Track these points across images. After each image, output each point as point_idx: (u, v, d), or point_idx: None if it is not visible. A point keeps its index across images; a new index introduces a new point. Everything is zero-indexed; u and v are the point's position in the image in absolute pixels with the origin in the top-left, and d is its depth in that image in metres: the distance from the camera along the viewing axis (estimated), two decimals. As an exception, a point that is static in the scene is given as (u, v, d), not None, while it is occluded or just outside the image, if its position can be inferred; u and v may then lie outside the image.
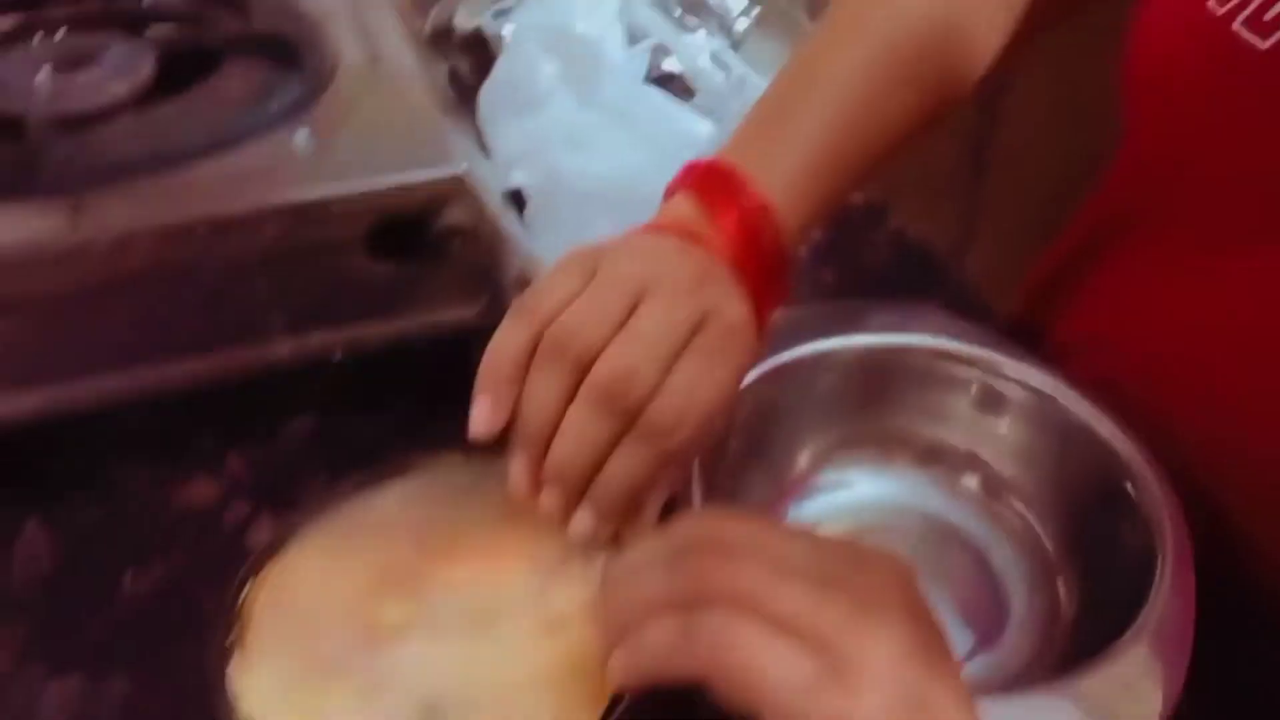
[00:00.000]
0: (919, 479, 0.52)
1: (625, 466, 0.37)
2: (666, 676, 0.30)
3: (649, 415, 0.36)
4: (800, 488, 0.51)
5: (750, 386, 0.46)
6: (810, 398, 0.51)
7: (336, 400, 0.61)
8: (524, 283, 0.58)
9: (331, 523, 0.39)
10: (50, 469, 0.57)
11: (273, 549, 0.38)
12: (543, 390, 0.37)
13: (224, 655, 0.34)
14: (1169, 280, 0.52)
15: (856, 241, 0.77)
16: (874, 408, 0.51)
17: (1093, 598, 0.46)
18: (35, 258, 0.49)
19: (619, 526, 0.38)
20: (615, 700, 0.33)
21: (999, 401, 0.51)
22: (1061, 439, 0.49)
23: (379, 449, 0.58)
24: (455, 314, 0.59)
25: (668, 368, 0.37)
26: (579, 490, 0.37)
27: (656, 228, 0.43)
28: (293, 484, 0.57)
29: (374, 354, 0.58)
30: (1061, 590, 0.47)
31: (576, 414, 0.37)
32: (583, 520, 0.37)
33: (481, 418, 0.38)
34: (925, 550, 0.50)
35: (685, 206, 0.43)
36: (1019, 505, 0.51)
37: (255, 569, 0.37)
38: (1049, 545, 0.49)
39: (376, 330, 0.58)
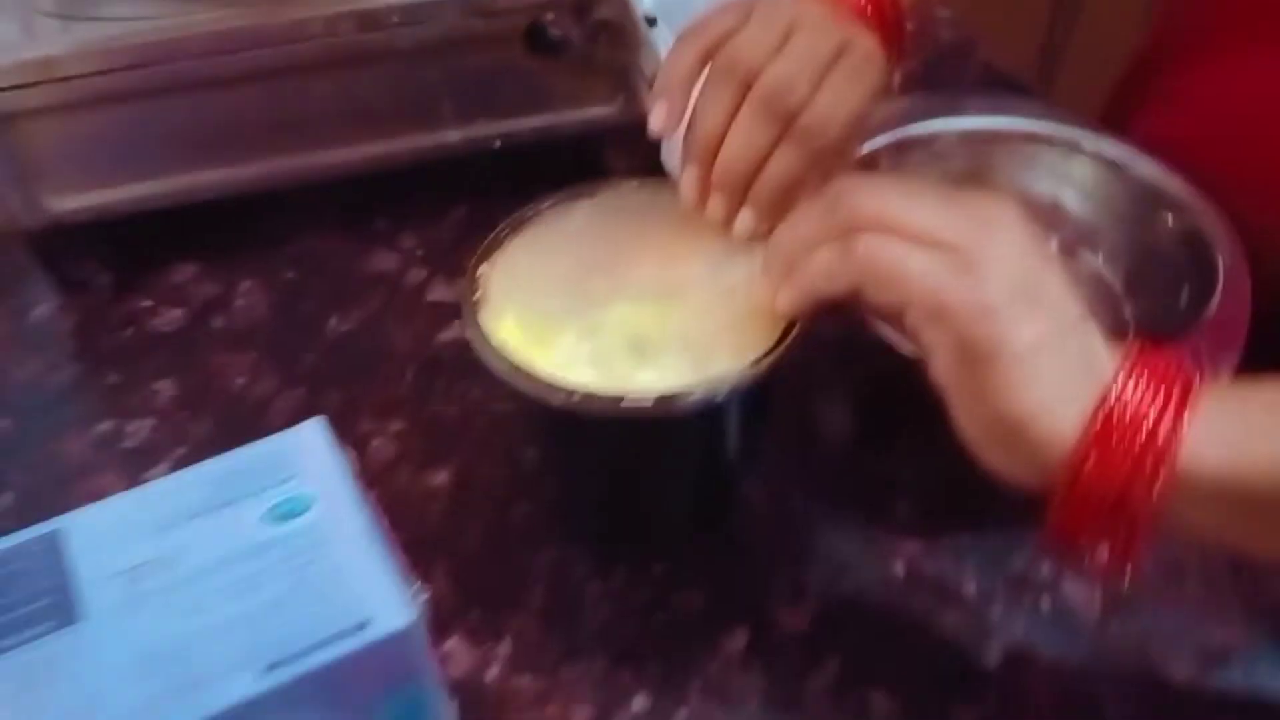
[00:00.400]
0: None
1: (782, 165, 0.45)
2: (827, 294, 0.39)
3: (803, 119, 0.44)
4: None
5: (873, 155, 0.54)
6: (918, 171, 0.58)
7: (488, 189, 0.70)
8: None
9: (535, 230, 0.48)
10: (255, 238, 0.67)
11: (492, 246, 0.47)
12: (714, 103, 0.45)
13: (473, 309, 0.43)
14: (1242, 77, 0.58)
15: (947, 73, 0.84)
16: (971, 181, 0.59)
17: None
18: (253, 37, 0.57)
19: (776, 221, 0.46)
20: (781, 338, 0.41)
21: (1077, 169, 0.58)
22: (1133, 196, 0.56)
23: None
24: (596, 110, 0.67)
25: (818, 84, 0.45)
26: (741, 192, 0.46)
27: None
28: (455, 257, 0.66)
29: (524, 146, 0.67)
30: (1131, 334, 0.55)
31: (742, 121, 0.45)
32: (745, 219, 0.46)
33: (660, 117, 0.46)
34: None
35: None
36: (1093, 259, 0.58)
37: (483, 257, 0.46)
38: (1121, 295, 0.57)
39: (529, 123, 0.66)
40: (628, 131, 0.70)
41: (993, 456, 0.36)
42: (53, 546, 0.38)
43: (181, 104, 0.58)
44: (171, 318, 0.63)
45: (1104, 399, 0.34)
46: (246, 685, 0.34)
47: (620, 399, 0.40)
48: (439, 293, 0.64)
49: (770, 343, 0.41)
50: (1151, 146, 0.59)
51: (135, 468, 0.54)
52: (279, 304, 0.63)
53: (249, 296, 0.64)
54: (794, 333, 0.41)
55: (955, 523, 0.51)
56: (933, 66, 0.82)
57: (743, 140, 0.45)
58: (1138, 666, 0.45)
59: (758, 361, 0.41)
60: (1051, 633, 0.46)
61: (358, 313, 0.63)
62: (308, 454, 0.41)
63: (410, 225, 0.69)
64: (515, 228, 0.47)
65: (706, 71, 0.46)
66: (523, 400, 0.42)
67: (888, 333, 0.45)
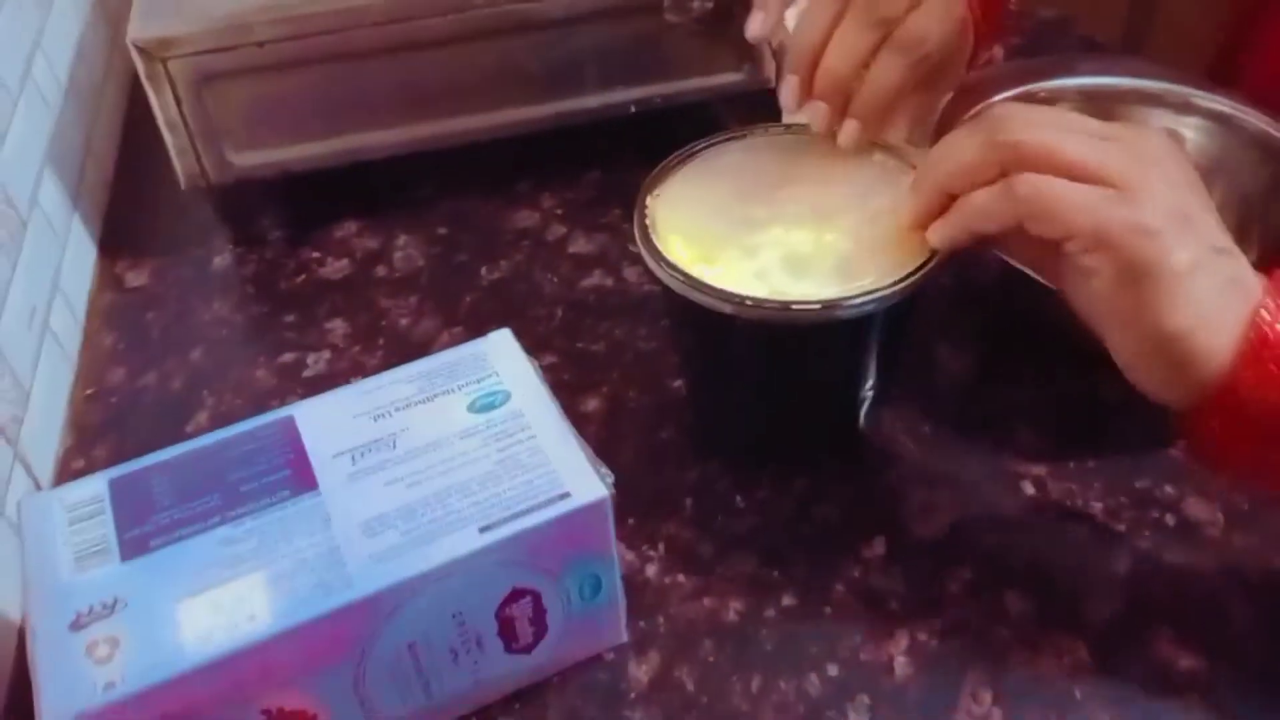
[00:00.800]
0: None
1: (882, 72, 0.48)
2: (984, 231, 0.42)
3: (903, 27, 0.48)
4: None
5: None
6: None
7: (619, 155, 0.75)
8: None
9: (694, 165, 0.53)
10: (407, 198, 0.73)
11: (658, 179, 0.52)
12: (816, 12, 0.49)
13: (644, 229, 0.48)
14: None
15: (1046, 47, 0.87)
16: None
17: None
18: (425, 6, 0.63)
19: (878, 134, 0.50)
20: (927, 260, 0.45)
21: (1190, 124, 0.60)
22: (1245, 148, 0.59)
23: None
24: (724, 78, 0.72)
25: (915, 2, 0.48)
26: (843, 99, 0.49)
27: None
28: (591, 215, 0.71)
29: (655, 111, 0.71)
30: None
31: (844, 30, 0.48)
32: (849, 128, 0.49)
33: (757, 21, 0.51)
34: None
35: None
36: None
37: (649, 188, 0.51)
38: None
39: (662, 89, 0.71)
40: (751, 99, 0.75)
41: (1147, 374, 0.39)
42: (289, 428, 0.43)
43: (358, 69, 0.64)
44: (338, 267, 0.68)
45: (1256, 317, 0.37)
46: (462, 543, 0.39)
47: (788, 305, 0.44)
48: (579, 245, 0.69)
49: (916, 262, 0.45)
50: (1262, 94, 0.61)
51: (319, 392, 0.59)
52: (434, 256, 0.69)
53: (406, 249, 0.70)
54: (937, 256, 0.45)
55: (1080, 448, 0.54)
56: (1032, 41, 0.86)
57: (844, 47, 0.48)
58: (1261, 572, 0.48)
59: (907, 277, 0.45)
60: (1176, 544, 0.49)
61: (506, 263, 0.68)
62: (499, 357, 0.46)
63: (549, 187, 0.74)
64: (679, 163, 0.52)
65: None
66: (690, 313, 0.46)
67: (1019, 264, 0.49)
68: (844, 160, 0.51)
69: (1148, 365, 0.39)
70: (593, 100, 0.70)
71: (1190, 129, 0.60)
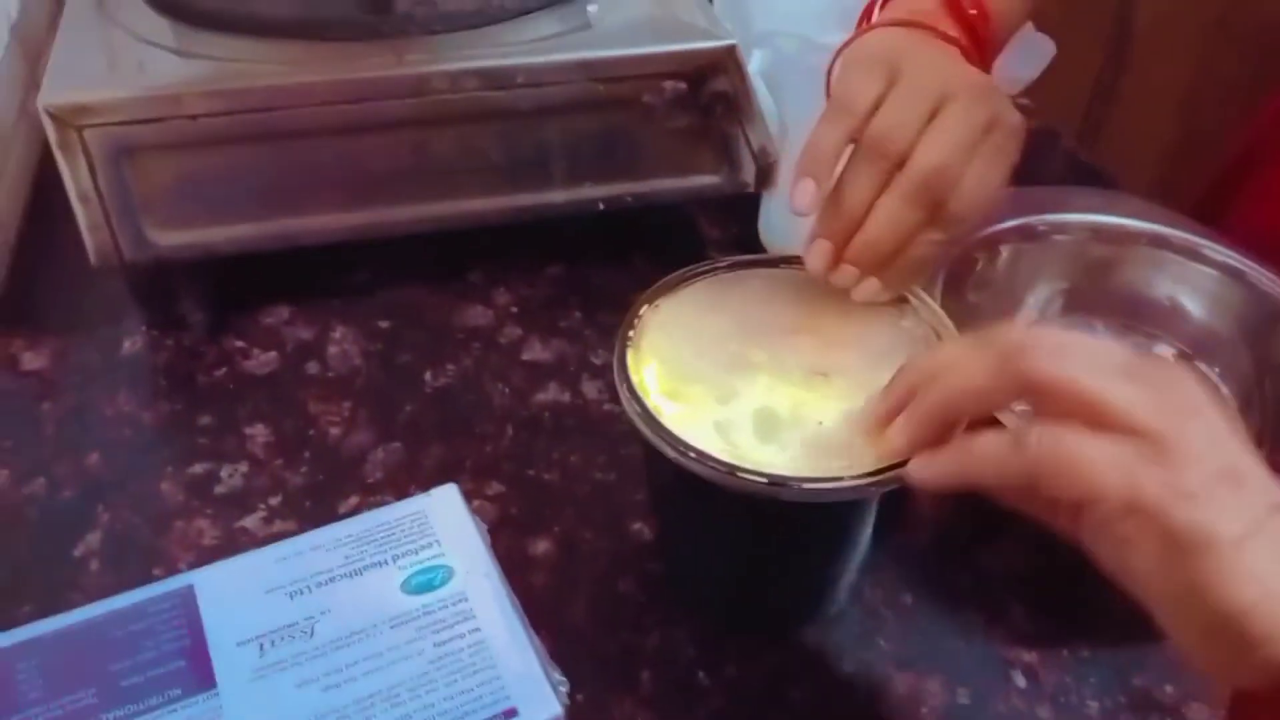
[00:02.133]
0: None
1: (924, 248, 0.44)
2: (986, 484, 0.35)
3: (953, 206, 0.43)
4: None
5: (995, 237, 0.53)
6: (1032, 262, 0.58)
7: (583, 250, 0.70)
8: (765, 154, 0.65)
9: (703, 285, 0.47)
10: (347, 284, 0.66)
11: (660, 291, 0.46)
12: (861, 181, 0.44)
13: (624, 347, 0.43)
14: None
15: (1031, 160, 0.84)
16: (1088, 276, 0.58)
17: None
18: (377, 88, 0.57)
19: (899, 291, 0.46)
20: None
21: (1196, 274, 0.57)
22: (1253, 307, 0.55)
23: (620, 296, 0.67)
24: (701, 180, 0.67)
25: (968, 163, 0.44)
26: (876, 270, 0.45)
27: (902, 22, 0.49)
28: (549, 317, 0.66)
29: (624, 209, 0.66)
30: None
31: (890, 202, 0.43)
32: (870, 286, 0.45)
33: (806, 194, 0.44)
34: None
35: (923, 1, 0.50)
36: (1209, 371, 0.57)
37: (650, 299, 0.45)
38: (1237, 411, 0.56)
39: (634, 188, 0.65)
40: (728, 203, 0.70)
41: (1206, 655, 0.33)
42: (188, 602, 0.37)
43: (298, 149, 0.58)
44: (265, 360, 0.62)
45: None
46: (387, 770, 0.33)
47: (733, 469, 0.38)
48: (535, 351, 0.63)
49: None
50: (1252, 241, 0.58)
51: (229, 514, 0.53)
52: (374, 354, 0.63)
53: (343, 344, 0.63)
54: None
55: (1074, 632, 0.49)
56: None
57: (888, 222, 0.44)
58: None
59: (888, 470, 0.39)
60: (1181, 757, 0.45)
61: (453, 368, 0.62)
62: (442, 520, 0.40)
63: (505, 280, 0.68)
64: (691, 278, 0.47)
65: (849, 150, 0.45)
66: (657, 458, 0.41)
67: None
68: (866, 318, 0.46)
69: (1206, 646, 0.33)
70: (558, 196, 0.64)
71: (1198, 279, 0.57)
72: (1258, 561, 0.31)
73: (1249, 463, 0.33)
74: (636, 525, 0.53)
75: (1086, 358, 0.35)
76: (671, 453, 0.39)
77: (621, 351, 0.42)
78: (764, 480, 0.38)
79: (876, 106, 0.45)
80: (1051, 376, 0.34)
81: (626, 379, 0.41)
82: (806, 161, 0.45)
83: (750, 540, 0.44)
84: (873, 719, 0.46)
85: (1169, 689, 0.47)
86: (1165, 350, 0.59)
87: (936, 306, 0.46)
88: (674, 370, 0.43)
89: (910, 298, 0.47)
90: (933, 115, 0.44)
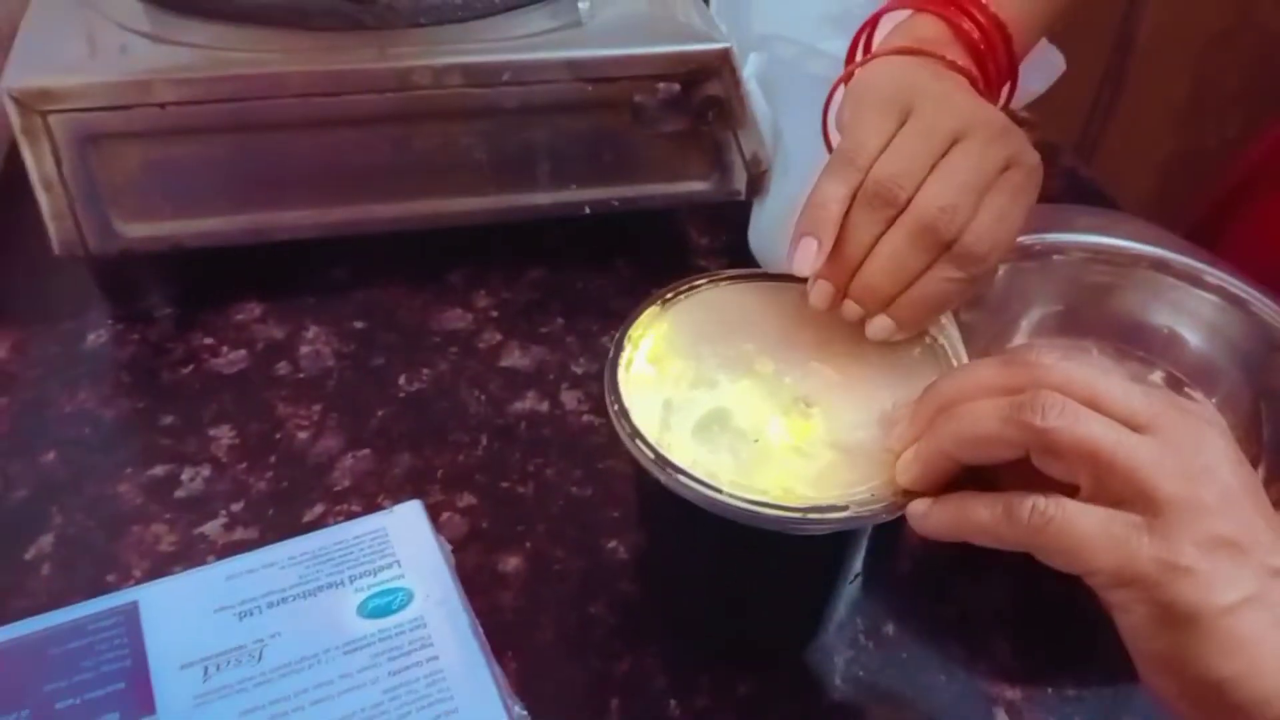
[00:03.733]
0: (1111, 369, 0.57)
1: (936, 288, 0.41)
2: (984, 541, 0.35)
3: (965, 243, 0.41)
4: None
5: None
6: (1028, 283, 0.56)
7: (565, 254, 0.68)
8: (757, 162, 0.64)
9: (717, 292, 0.46)
10: (322, 282, 0.64)
11: (668, 298, 0.45)
12: (863, 227, 0.42)
13: (616, 358, 0.41)
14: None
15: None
16: (1085, 298, 0.56)
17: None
18: (358, 81, 0.55)
19: (915, 330, 0.43)
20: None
21: (1196, 301, 0.55)
22: (1255, 337, 0.54)
23: (604, 302, 0.65)
24: (691, 185, 0.65)
25: (979, 203, 0.42)
26: (881, 309, 0.42)
27: (909, 50, 0.47)
28: (529, 323, 0.64)
29: (611, 213, 0.64)
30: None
31: (894, 242, 0.41)
32: (882, 324, 0.42)
33: (807, 256, 0.42)
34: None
35: (929, 28, 0.48)
36: (1203, 397, 0.55)
37: (663, 300, 0.44)
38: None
39: (622, 192, 0.64)
40: (717, 211, 0.69)
41: (1188, 713, 0.33)
42: (130, 621, 0.35)
43: (273, 141, 0.56)
44: (234, 358, 0.60)
45: None
46: (333, 809, 0.31)
47: (718, 491, 0.37)
48: (513, 358, 0.61)
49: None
50: (1250, 268, 0.57)
51: (189, 519, 0.51)
52: (346, 355, 0.60)
53: (315, 344, 0.61)
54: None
55: (1060, 669, 0.47)
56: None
57: (890, 261, 0.41)
58: None
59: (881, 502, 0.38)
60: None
61: (428, 373, 0.60)
62: (405, 540, 0.38)
63: (484, 284, 0.66)
64: (683, 290, 0.45)
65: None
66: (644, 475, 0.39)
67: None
68: (890, 360, 0.44)
69: (1192, 712, 0.32)
70: (543, 198, 0.62)
71: (1198, 307, 0.55)
72: (1247, 630, 0.31)
73: (1259, 525, 0.32)
74: (611, 544, 0.51)
75: (1109, 402, 0.34)
76: (658, 473, 0.37)
77: (615, 356, 0.41)
78: (747, 506, 0.37)
79: (882, 151, 0.43)
80: (1069, 440, 0.33)
81: (616, 387, 0.39)
82: (808, 219, 0.43)
83: (739, 564, 0.42)
84: (849, 755, 0.44)
85: (1156, 732, 0.45)
86: (1159, 377, 0.57)
87: (958, 347, 0.43)
88: (673, 344, 0.42)
89: (930, 336, 0.44)
90: (944, 155, 0.42)
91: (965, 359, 0.42)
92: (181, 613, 0.35)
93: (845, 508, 0.36)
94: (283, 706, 0.33)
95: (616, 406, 0.39)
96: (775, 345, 0.44)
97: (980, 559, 0.51)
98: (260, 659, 0.34)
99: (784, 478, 0.38)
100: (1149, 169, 1.48)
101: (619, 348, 0.41)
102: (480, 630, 0.35)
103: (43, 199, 0.54)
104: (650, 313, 0.44)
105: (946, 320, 0.43)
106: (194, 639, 0.34)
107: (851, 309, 0.43)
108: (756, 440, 0.40)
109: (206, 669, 0.33)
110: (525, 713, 0.34)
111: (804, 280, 0.44)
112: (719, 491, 0.37)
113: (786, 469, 0.39)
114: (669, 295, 0.45)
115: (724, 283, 0.46)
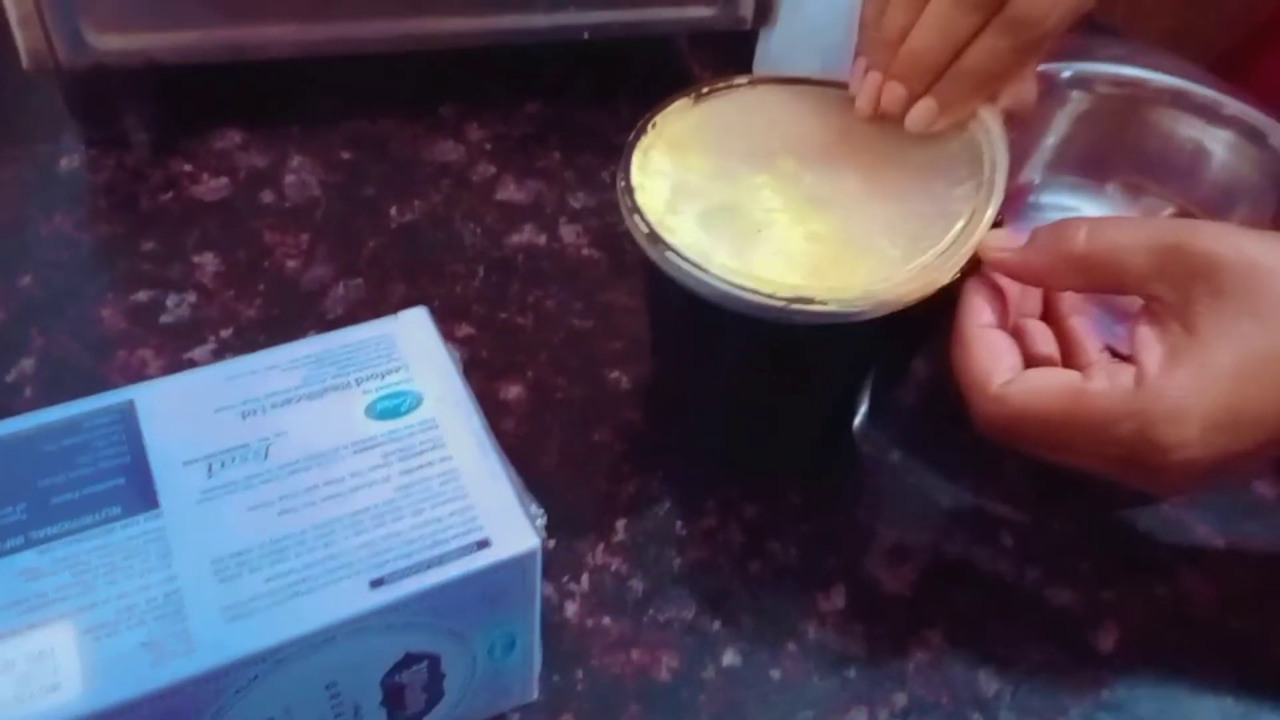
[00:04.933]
0: (1127, 208, 0.56)
1: (985, 57, 0.38)
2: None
3: (1018, 5, 0.38)
4: (1019, 202, 0.55)
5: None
6: (1046, 113, 0.54)
7: (567, 85, 0.65)
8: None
9: (756, 94, 0.44)
10: (307, 110, 0.61)
11: (704, 93, 0.43)
12: (907, 4, 0.39)
13: (635, 140, 0.40)
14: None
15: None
16: (1104, 130, 0.55)
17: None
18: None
19: (959, 117, 0.41)
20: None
21: (1216, 132, 0.54)
22: (1270, 169, 0.53)
23: (603, 137, 0.63)
24: (695, 11, 0.62)
25: None
26: (928, 86, 0.40)
27: None
28: (526, 156, 0.61)
29: (610, 42, 0.61)
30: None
31: (937, 6, 0.38)
32: (924, 109, 0.40)
33: (866, 86, 0.41)
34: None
35: None
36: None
37: (696, 95, 0.42)
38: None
39: (623, 17, 0.60)
40: (721, 39, 0.65)
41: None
42: (128, 418, 0.33)
43: (254, -54, 0.52)
44: (215, 186, 0.57)
45: None
46: (346, 602, 0.30)
47: (704, 271, 0.36)
48: (509, 191, 0.59)
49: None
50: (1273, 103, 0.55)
51: (176, 345, 0.49)
52: (334, 185, 0.58)
53: (300, 173, 0.58)
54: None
55: (1066, 495, 0.47)
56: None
57: (939, 28, 0.39)
58: (1260, 657, 0.42)
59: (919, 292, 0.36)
60: (1170, 622, 0.43)
61: (420, 204, 0.58)
62: (412, 345, 0.37)
63: (479, 115, 0.63)
64: (716, 87, 0.43)
65: None
66: (657, 280, 0.38)
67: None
68: (916, 167, 0.42)
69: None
70: (541, 20, 0.59)
71: (1218, 137, 0.53)
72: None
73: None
74: (614, 374, 0.50)
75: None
76: (649, 249, 0.36)
77: (635, 139, 0.40)
78: (728, 288, 0.35)
79: None
80: None
81: (628, 165, 0.39)
82: (868, 41, 0.41)
83: (738, 362, 0.41)
84: (854, 575, 0.44)
85: (1162, 552, 0.46)
86: (1170, 211, 0.56)
87: (998, 149, 0.40)
88: (698, 137, 0.41)
89: (976, 122, 0.41)
90: None
91: (1004, 162, 0.40)
92: (180, 412, 0.33)
93: (827, 302, 0.35)
94: (292, 503, 0.31)
95: (624, 183, 0.38)
96: (803, 146, 0.42)
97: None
98: (266, 457, 0.32)
99: (782, 271, 0.37)
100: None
101: (640, 132, 0.40)
102: (493, 435, 0.34)
103: (9, 3, 0.50)
104: (680, 105, 0.42)
105: (989, 117, 0.41)
106: (195, 437, 0.33)
107: (894, 93, 0.40)
108: (760, 231, 0.39)
109: (210, 466, 0.32)
110: (542, 510, 0.34)
111: (845, 85, 0.42)
112: (705, 271, 0.36)
113: (787, 263, 0.38)
114: (705, 90, 0.43)
115: (764, 85, 0.44)
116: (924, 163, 0.41)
